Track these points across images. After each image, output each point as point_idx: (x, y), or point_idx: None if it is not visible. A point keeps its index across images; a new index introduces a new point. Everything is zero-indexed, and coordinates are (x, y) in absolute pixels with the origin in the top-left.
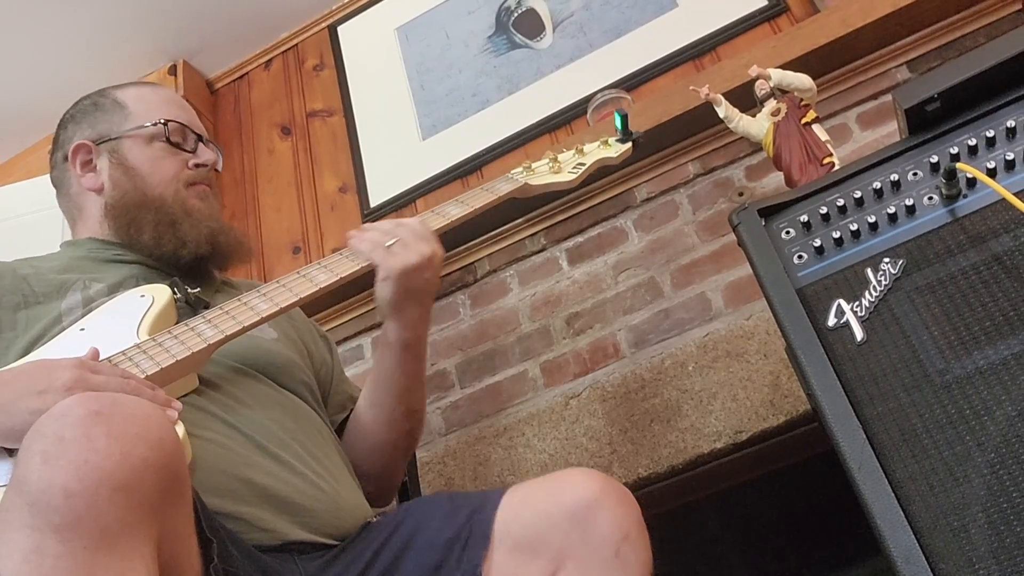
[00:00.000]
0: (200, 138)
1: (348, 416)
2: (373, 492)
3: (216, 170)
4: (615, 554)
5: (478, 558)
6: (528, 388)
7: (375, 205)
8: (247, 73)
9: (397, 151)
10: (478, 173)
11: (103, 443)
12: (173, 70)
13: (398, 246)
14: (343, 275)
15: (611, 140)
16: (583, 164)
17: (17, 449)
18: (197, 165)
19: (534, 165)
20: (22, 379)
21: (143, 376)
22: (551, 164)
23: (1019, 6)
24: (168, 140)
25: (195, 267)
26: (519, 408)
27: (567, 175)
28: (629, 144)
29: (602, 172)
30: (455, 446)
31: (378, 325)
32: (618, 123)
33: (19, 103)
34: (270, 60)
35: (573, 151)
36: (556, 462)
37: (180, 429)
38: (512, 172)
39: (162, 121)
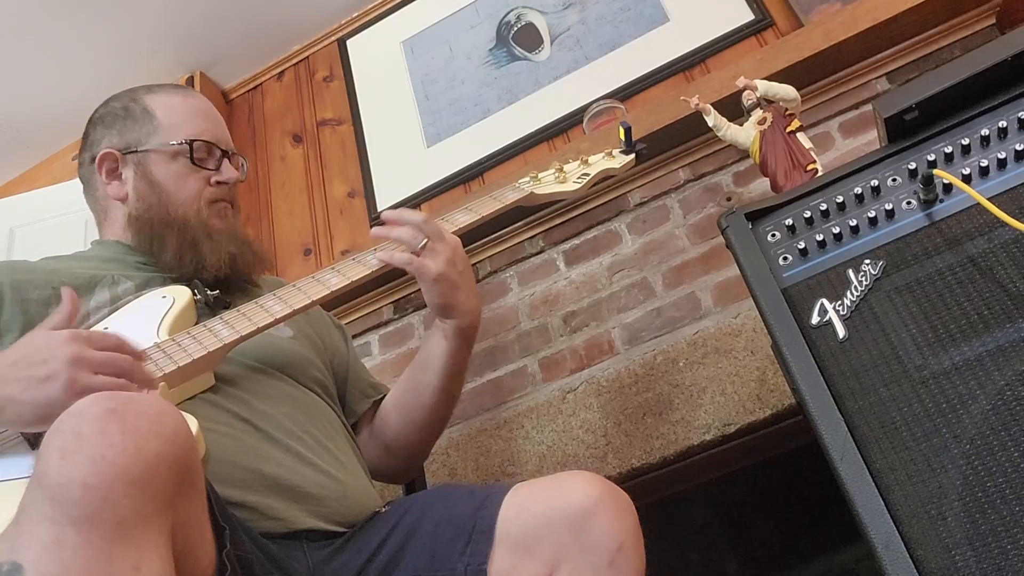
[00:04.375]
0: (225, 153)
1: (370, 405)
2: (400, 467)
3: (240, 180)
4: (609, 563)
5: (484, 554)
6: (527, 383)
7: (382, 209)
8: (261, 84)
9: (403, 158)
10: (480, 179)
11: (118, 439)
12: (190, 81)
13: (427, 252)
14: (355, 279)
15: (615, 152)
16: (587, 174)
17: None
18: (219, 183)
19: (540, 175)
20: (21, 366)
21: (161, 374)
22: (557, 174)
23: (992, 21)
24: (192, 159)
25: (216, 280)
26: (519, 402)
27: (572, 185)
28: (632, 156)
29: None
30: (458, 438)
31: (385, 323)
32: (622, 135)
33: (45, 112)
34: (282, 72)
35: (578, 162)
36: (554, 453)
37: (194, 424)
38: (519, 181)
39: (187, 141)
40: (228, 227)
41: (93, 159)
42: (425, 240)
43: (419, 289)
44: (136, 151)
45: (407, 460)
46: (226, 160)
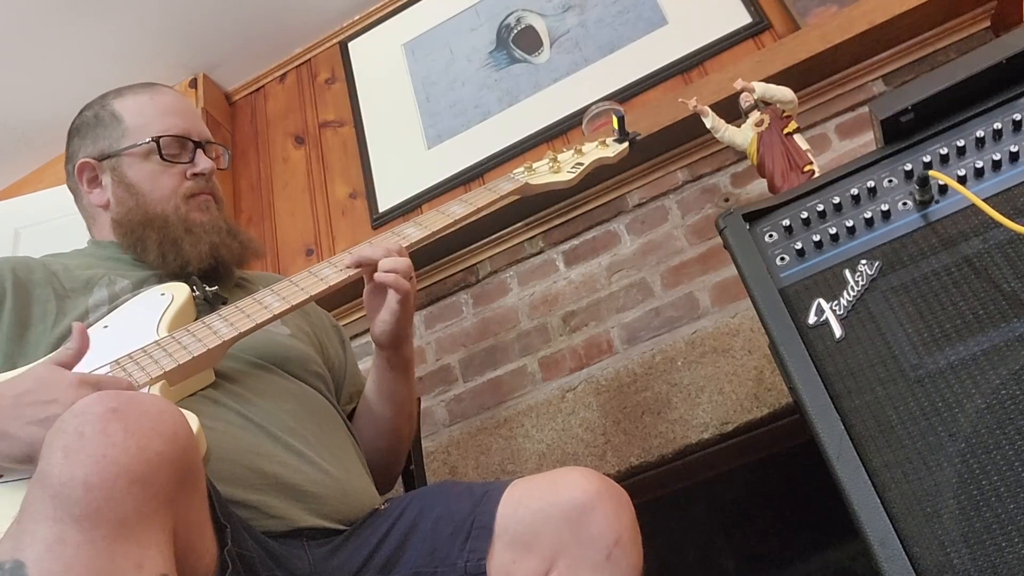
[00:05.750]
0: (199, 144)
1: (355, 407)
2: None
3: (221, 168)
4: (606, 557)
5: (482, 550)
6: (527, 382)
7: (383, 210)
8: (263, 86)
9: (404, 159)
10: (480, 180)
11: (120, 438)
12: (194, 83)
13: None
14: (351, 274)
15: (609, 140)
16: (581, 164)
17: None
18: (195, 175)
19: (535, 165)
20: (26, 401)
21: (161, 372)
22: (551, 164)
23: (987, 24)
24: (162, 156)
25: (207, 273)
26: (518, 401)
27: (566, 175)
28: (626, 144)
29: (597, 177)
30: (458, 436)
31: None
32: (616, 124)
33: (50, 114)
34: (285, 74)
35: (572, 151)
36: (553, 452)
37: (195, 422)
38: (514, 172)
39: (154, 138)
40: (210, 219)
41: (74, 170)
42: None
43: (418, 290)
44: (110, 156)
45: (377, 477)
46: (200, 151)
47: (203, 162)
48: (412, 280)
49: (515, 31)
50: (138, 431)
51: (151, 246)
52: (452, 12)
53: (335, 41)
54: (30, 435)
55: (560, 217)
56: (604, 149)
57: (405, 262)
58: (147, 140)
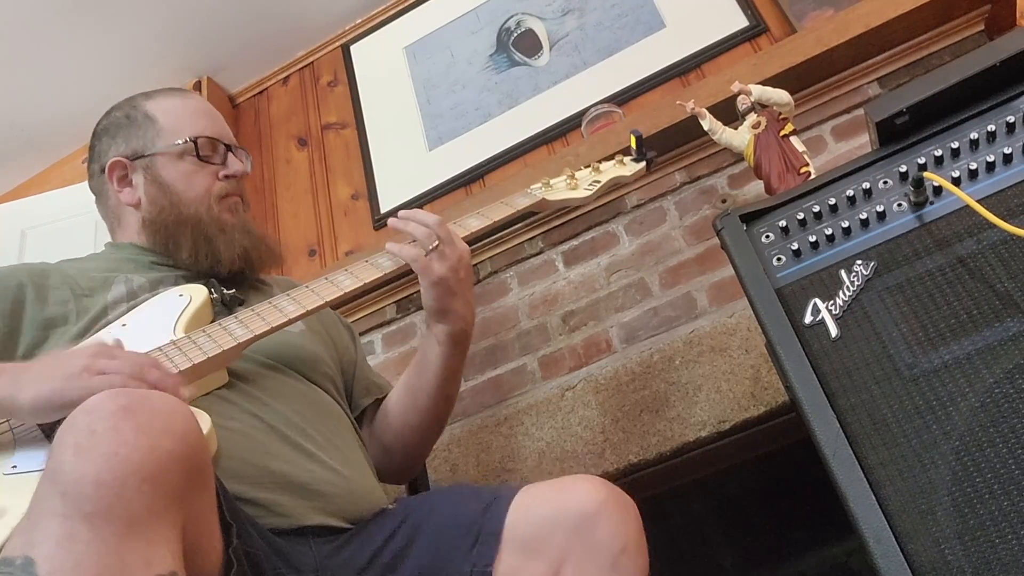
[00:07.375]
0: (229, 148)
1: (373, 401)
2: (399, 467)
3: (246, 173)
4: (612, 565)
5: (490, 556)
6: (527, 381)
7: (385, 211)
8: (266, 88)
9: (405, 161)
10: (481, 181)
11: (132, 436)
12: (198, 85)
13: (436, 254)
14: (367, 281)
15: (626, 159)
16: (598, 181)
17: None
18: (227, 176)
19: (552, 181)
20: (48, 362)
21: (176, 371)
22: (568, 181)
23: (981, 27)
24: (198, 156)
25: (231, 276)
26: (519, 399)
27: (583, 191)
28: (643, 164)
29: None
30: (459, 434)
31: (388, 322)
32: (633, 143)
33: (56, 116)
34: (288, 76)
35: (590, 169)
36: (553, 450)
37: (206, 423)
38: (531, 187)
39: (191, 139)
40: (240, 221)
41: (103, 169)
42: (437, 242)
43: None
44: (143, 156)
45: (404, 461)
46: (230, 154)
47: (235, 164)
48: (441, 252)
49: (515, 34)
50: (149, 429)
51: (184, 244)
52: (453, 16)
53: (337, 44)
54: (52, 374)
55: (560, 218)
56: (621, 168)
57: (428, 226)
58: (185, 140)
